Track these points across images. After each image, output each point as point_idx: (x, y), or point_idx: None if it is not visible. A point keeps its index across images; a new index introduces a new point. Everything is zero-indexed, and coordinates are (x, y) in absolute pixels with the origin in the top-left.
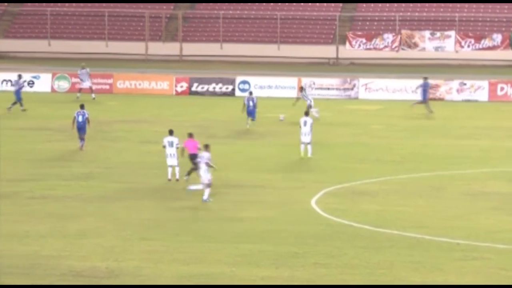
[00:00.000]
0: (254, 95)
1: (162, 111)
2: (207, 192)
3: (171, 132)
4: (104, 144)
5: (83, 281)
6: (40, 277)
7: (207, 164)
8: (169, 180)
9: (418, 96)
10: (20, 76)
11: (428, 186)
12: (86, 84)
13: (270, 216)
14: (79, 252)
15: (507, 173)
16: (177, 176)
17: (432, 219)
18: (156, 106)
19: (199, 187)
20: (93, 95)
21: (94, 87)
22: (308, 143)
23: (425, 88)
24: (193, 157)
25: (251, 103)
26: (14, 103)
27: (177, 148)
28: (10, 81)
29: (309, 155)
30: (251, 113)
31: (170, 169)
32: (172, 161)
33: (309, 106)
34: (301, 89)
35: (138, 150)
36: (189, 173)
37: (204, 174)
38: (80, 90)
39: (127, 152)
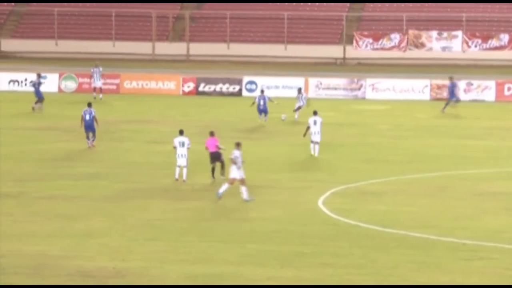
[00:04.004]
0: (266, 93)
1: (169, 111)
2: (244, 190)
3: (181, 132)
4: (111, 144)
5: (90, 281)
6: (47, 277)
7: (232, 161)
8: (177, 179)
9: (426, 96)
10: (39, 75)
11: (435, 186)
12: (97, 84)
13: (276, 216)
14: (86, 252)
15: None
16: (184, 177)
17: (439, 219)
18: (163, 106)
19: (225, 187)
20: (100, 95)
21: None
22: (317, 143)
23: (452, 88)
24: (213, 155)
25: (261, 102)
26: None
27: (188, 148)
28: (17, 81)
29: (316, 154)
30: (262, 111)
31: (178, 169)
32: (181, 161)
33: (298, 108)
34: (299, 90)
35: (145, 150)
36: (214, 175)
37: (236, 172)
38: (95, 89)
39: (134, 152)
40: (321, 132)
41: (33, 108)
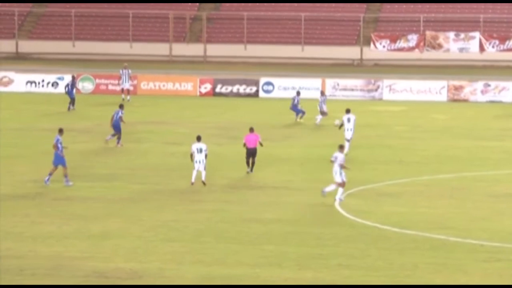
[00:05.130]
0: (299, 95)
1: (186, 112)
2: (340, 191)
3: (199, 138)
4: (127, 145)
5: (107, 282)
6: (64, 278)
7: (341, 166)
8: (192, 183)
9: (443, 97)
10: (73, 77)
11: (452, 187)
12: (125, 86)
13: (293, 217)
14: (103, 253)
15: None
16: (203, 178)
17: (456, 221)
18: (180, 107)
19: (332, 187)
20: (128, 97)
21: (118, 88)
22: (348, 140)
23: None
24: (252, 151)
25: (296, 102)
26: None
27: (206, 154)
28: (34, 82)
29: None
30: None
31: (195, 173)
32: (199, 167)
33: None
34: (322, 93)
35: (162, 151)
36: (249, 167)
37: (337, 175)
38: (123, 90)
39: (151, 154)
40: (354, 129)
41: (68, 109)
